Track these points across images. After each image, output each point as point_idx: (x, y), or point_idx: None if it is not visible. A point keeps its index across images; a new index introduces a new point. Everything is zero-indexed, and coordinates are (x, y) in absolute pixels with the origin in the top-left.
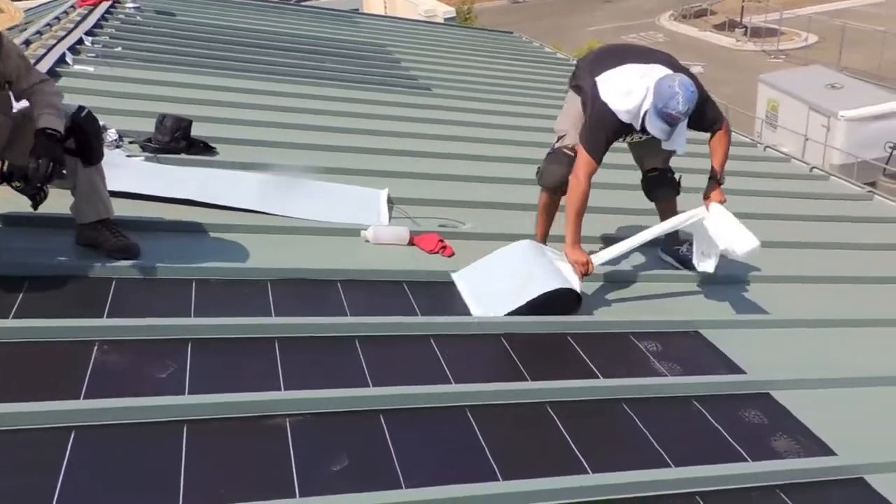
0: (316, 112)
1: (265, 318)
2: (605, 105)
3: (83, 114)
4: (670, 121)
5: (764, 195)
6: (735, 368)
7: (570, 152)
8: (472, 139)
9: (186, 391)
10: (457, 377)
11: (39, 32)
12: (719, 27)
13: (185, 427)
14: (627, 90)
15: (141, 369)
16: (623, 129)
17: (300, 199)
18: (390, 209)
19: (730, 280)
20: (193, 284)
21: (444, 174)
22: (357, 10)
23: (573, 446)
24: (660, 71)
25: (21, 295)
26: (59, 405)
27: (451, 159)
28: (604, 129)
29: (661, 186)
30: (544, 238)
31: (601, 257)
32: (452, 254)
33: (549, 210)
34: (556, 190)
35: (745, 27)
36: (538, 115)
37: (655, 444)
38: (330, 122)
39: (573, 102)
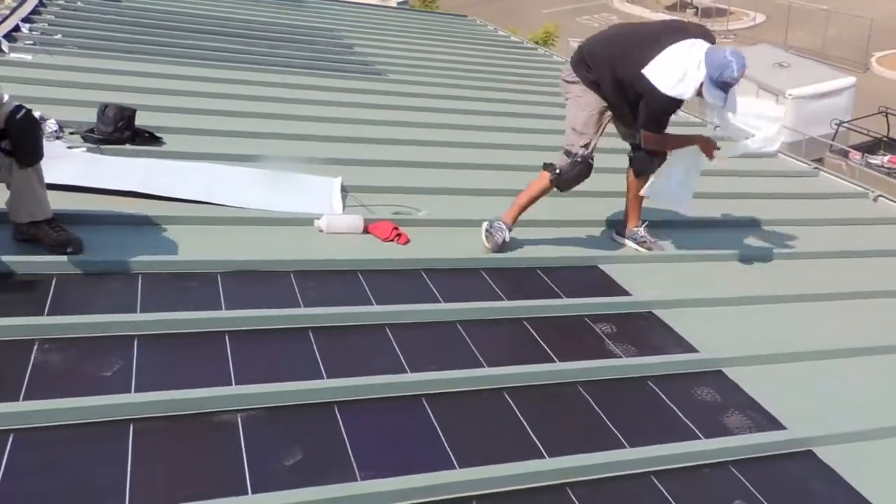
0: (266, 99)
1: (215, 312)
2: (664, 96)
3: (19, 115)
4: (726, 88)
5: (714, 174)
6: (688, 347)
7: (592, 161)
8: (426, 125)
9: (133, 389)
10: (412, 366)
11: None
12: (671, 8)
13: (130, 426)
14: (681, 74)
15: (84, 368)
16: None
17: (250, 188)
18: (344, 198)
19: (681, 259)
20: (140, 279)
21: (399, 161)
22: None
23: (528, 430)
24: (700, 45)
25: None
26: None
27: (406, 145)
28: (667, 112)
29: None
30: (514, 221)
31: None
32: (408, 241)
33: (539, 198)
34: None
35: (696, 7)
36: (494, 100)
37: (610, 426)
38: (280, 110)
39: (588, 99)
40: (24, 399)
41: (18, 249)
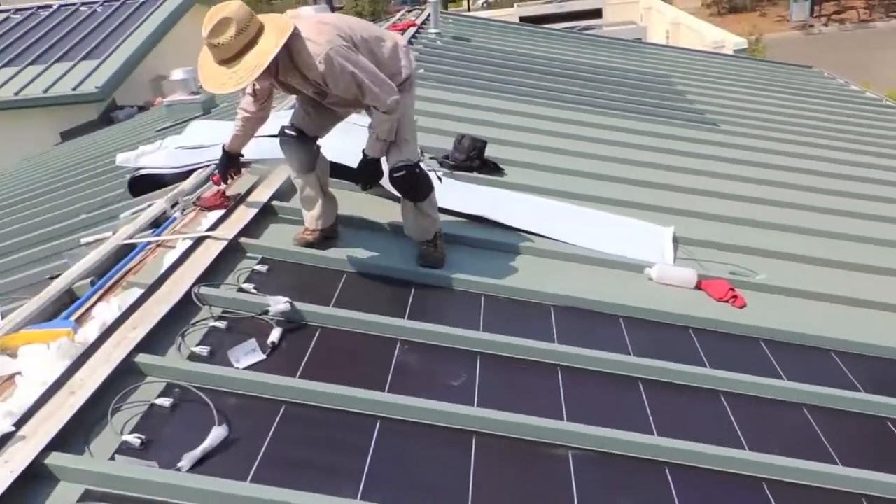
0: (599, 141)
1: (549, 344)
2: None
3: (396, 175)
4: None
5: None
6: None
7: None
8: (764, 181)
9: (475, 402)
10: (751, 442)
11: None
12: None
13: (473, 438)
14: None
15: (436, 374)
16: None
17: (585, 227)
18: (675, 248)
19: None
20: (482, 299)
21: (734, 217)
22: (640, 39)
23: None
24: None
25: (340, 286)
26: (368, 394)
27: (742, 201)
28: None
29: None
30: None
31: None
32: (744, 305)
33: None
34: None
35: None
36: (846, 162)
37: None
38: (612, 153)
39: None
40: (388, 391)
41: (394, 258)
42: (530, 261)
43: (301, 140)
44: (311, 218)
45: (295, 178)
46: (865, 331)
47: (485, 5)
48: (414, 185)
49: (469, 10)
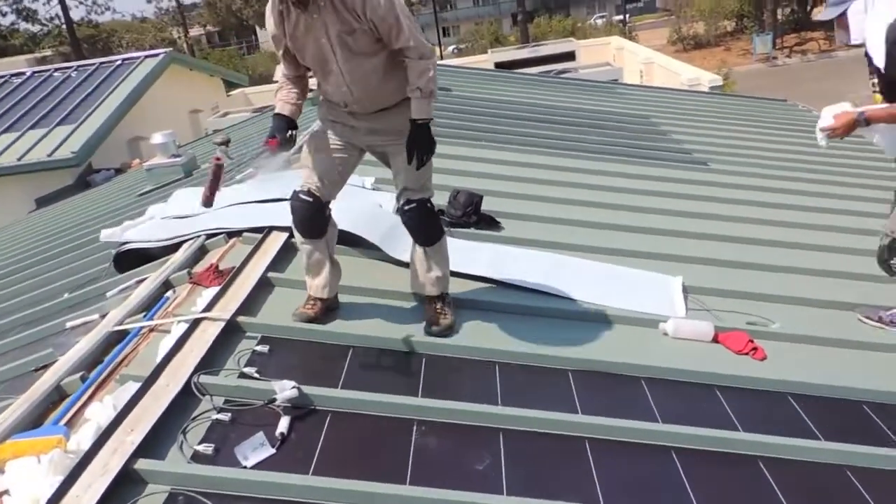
0: (592, 187)
1: (573, 415)
2: None
3: (407, 210)
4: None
5: None
6: None
7: None
8: (765, 221)
9: (504, 490)
10: None
11: None
12: None
13: None
14: None
15: (458, 457)
16: None
17: (591, 281)
18: (686, 298)
19: None
20: (497, 368)
21: (741, 261)
22: (616, 80)
23: None
24: None
25: (346, 363)
26: (390, 488)
27: (746, 244)
28: None
29: None
30: None
31: None
32: (764, 357)
33: None
34: None
35: None
36: (842, 196)
37: None
38: (607, 199)
39: None
40: (410, 483)
41: (401, 328)
42: (540, 322)
43: (315, 205)
44: (317, 287)
45: (302, 244)
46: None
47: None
48: (426, 223)
49: (441, 57)
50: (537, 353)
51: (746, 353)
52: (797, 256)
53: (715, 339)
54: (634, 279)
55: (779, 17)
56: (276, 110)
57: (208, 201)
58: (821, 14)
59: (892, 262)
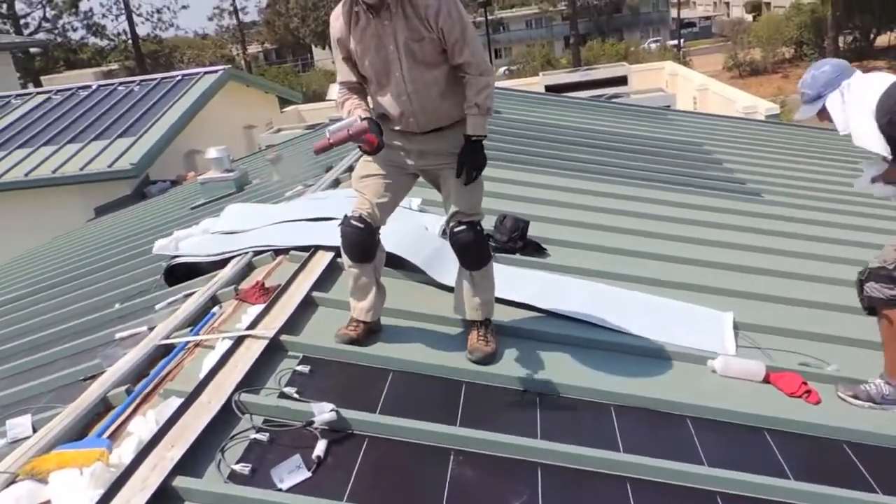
0: (642, 216)
1: (615, 453)
2: None
3: (456, 234)
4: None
5: None
6: None
7: None
8: (822, 257)
9: None
10: None
11: None
12: None
13: None
14: None
15: (495, 491)
16: None
17: (638, 314)
18: (736, 335)
19: None
20: (538, 399)
21: (797, 299)
22: (669, 106)
23: None
24: None
25: (386, 387)
26: None
27: (801, 280)
28: None
29: None
30: None
31: None
32: (819, 401)
33: None
34: None
35: None
36: None
37: None
38: (656, 228)
39: None
40: None
41: (442, 354)
42: (584, 353)
43: (365, 231)
44: (361, 310)
45: (349, 268)
46: None
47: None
48: (475, 246)
49: None
50: (580, 386)
51: (799, 396)
52: (855, 295)
53: (766, 380)
54: (683, 313)
55: (840, 44)
56: (356, 115)
57: (319, 149)
58: (797, 114)
59: (865, 295)
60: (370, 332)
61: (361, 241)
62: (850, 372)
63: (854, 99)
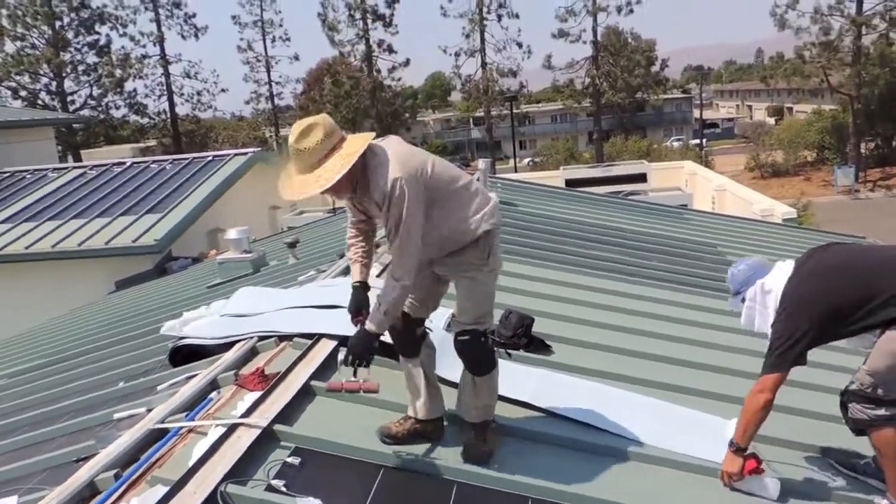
0: (652, 316)
1: None
2: None
3: (460, 338)
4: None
5: None
6: None
7: None
8: (834, 367)
9: None
10: None
11: None
12: None
13: None
14: None
15: None
16: None
17: (643, 419)
18: None
19: None
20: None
21: (808, 410)
22: (685, 205)
23: None
24: None
25: (375, 484)
26: None
27: (810, 390)
28: None
29: None
30: None
31: None
32: None
33: None
34: None
35: None
36: None
37: None
38: (666, 329)
39: None
40: None
41: (437, 450)
42: (583, 458)
43: (403, 321)
44: (418, 406)
45: (403, 363)
46: None
47: (530, 164)
48: (476, 355)
49: (516, 169)
50: (576, 493)
51: None
52: None
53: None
54: (689, 420)
55: (863, 150)
56: (352, 277)
57: (330, 389)
58: (728, 304)
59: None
60: (419, 434)
61: (399, 332)
62: (862, 491)
63: (768, 303)
